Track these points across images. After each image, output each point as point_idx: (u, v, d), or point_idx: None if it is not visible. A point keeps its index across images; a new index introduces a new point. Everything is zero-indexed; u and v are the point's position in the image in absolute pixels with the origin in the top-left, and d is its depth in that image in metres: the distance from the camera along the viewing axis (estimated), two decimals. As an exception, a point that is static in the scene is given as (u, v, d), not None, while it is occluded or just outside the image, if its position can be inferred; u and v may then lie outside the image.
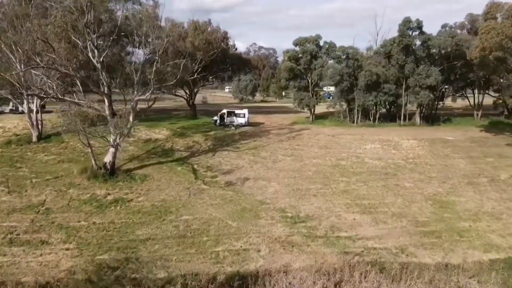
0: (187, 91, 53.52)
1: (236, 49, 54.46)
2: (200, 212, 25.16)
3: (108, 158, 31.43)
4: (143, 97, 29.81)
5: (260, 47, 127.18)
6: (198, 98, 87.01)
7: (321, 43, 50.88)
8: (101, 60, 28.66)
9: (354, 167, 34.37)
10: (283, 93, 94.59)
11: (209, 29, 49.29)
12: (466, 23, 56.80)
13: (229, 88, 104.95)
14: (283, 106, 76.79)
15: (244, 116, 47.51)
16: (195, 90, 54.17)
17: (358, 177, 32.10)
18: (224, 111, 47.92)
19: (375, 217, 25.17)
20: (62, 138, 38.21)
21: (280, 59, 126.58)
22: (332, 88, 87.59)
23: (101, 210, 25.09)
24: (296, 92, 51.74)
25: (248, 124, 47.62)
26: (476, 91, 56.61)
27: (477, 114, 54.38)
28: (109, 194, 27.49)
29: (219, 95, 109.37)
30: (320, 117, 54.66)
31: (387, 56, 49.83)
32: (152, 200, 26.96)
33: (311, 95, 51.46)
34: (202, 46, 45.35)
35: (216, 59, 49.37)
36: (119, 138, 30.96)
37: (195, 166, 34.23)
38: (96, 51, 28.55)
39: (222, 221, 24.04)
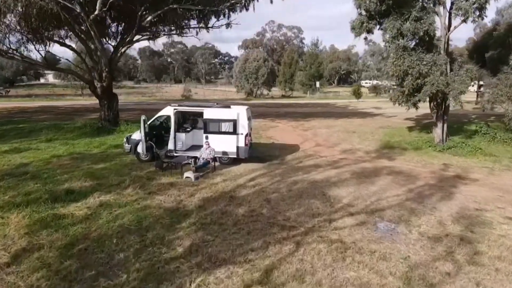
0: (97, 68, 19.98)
1: None
2: None
3: None
4: None
5: (280, 25, 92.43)
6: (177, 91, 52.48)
7: None
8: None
9: None
10: (317, 85, 59.77)
11: None
12: None
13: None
14: (324, 104, 42.86)
15: (234, 131, 13.25)
16: (111, 54, 20.41)
17: None
18: (167, 111, 13.70)
19: None
20: None
21: (307, 42, 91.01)
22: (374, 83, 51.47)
23: None
24: (403, 55, 15.79)
25: (249, 151, 13.71)
26: None
27: None
28: None
29: (221, 89, 75.30)
30: (426, 127, 19.88)
31: None
32: None
33: (446, 64, 16.75)
34: None
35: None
36: None
37: None
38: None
39: None
